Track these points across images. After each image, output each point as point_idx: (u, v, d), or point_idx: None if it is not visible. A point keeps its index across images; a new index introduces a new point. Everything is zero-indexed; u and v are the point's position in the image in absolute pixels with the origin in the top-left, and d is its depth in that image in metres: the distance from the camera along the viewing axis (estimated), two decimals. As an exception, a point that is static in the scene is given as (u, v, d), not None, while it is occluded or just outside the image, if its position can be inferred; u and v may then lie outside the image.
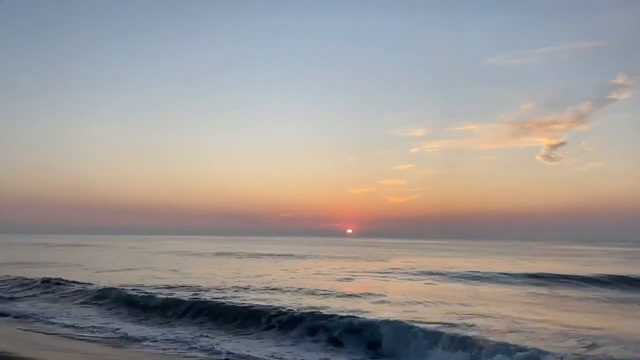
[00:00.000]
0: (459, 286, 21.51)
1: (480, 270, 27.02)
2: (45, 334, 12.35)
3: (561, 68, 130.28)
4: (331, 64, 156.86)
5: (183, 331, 12.69)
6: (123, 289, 17.60)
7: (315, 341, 11.61)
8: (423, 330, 10.98)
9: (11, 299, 17.88)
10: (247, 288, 18.49)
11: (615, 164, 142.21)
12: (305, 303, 14.79)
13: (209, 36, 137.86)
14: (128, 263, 32.48)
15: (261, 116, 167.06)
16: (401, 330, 11.21)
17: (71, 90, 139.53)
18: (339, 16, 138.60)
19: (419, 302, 15.69)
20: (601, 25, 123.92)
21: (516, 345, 9.58)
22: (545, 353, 9.08)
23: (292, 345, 11.43)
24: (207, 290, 17.75)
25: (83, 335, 12.16)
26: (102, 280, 20.37)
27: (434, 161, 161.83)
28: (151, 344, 11.52)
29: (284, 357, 10.40)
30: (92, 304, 16.55)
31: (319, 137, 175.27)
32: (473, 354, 9.70)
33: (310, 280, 21.92)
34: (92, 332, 12.66)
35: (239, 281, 20.93)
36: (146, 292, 16.77)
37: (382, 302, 15.89)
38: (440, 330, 11.00)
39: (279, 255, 43.61)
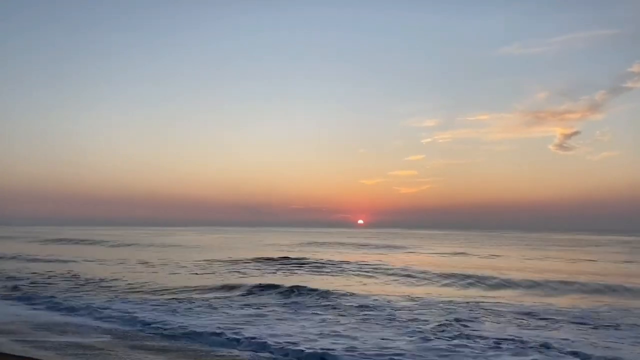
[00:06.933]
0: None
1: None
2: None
3: (576, 57, 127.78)
4: (342, 55, 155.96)
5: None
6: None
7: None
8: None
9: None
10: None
11: (630, 154, 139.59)
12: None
13: (224, 28, 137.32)
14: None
15: (272, 108, 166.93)
16: None
17: (87, 84, 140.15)
18: (350, 7, 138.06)
19: None
20: (616, 13, 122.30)
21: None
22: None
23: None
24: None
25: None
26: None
27: (446, 151, 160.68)
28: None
29: None
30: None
31: (330, 129, 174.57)
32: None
33: None
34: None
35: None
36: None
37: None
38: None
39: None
